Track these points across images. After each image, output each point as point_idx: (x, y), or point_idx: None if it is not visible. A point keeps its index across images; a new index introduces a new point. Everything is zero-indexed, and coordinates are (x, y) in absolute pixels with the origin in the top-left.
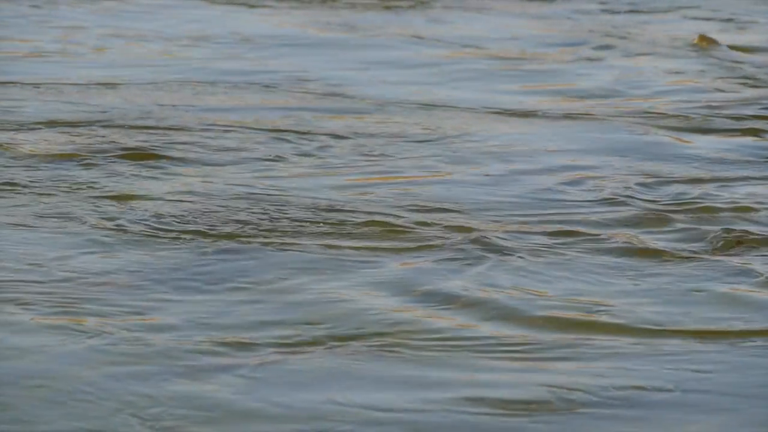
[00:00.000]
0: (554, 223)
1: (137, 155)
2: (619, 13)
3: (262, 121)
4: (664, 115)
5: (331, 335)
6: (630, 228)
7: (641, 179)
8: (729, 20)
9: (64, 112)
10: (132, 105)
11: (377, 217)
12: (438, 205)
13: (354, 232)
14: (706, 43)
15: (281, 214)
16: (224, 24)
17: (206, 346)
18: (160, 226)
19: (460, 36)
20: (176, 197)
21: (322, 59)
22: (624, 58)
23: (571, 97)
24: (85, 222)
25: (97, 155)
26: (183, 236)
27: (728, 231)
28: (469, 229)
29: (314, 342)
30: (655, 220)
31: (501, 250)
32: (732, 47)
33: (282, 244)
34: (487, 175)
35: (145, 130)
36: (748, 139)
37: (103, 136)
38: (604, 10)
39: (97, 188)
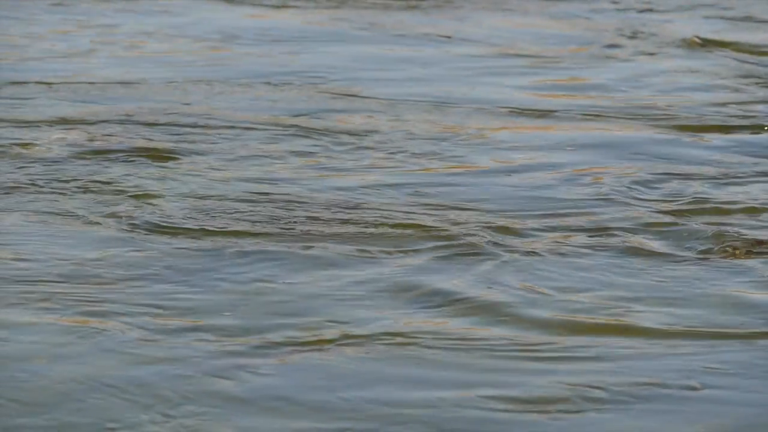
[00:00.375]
0: (569, 222)
1: (156, 154)
2: (634, 11)
3: (282, 120)
4: (679, 115)
5: (346, 334)
6: (645, 227)
7: (656, 178)
8: (745, 19)
9: (81, 111)
10: (152, 103)
11: (392, 216)
12: (452, 204)
13: (369, 230)
14: (700, 43)
15: (298, 213)
16: (247, 23)
17: (227, 344)
18: (180, 225)
19: (482, 35)
20: (195, 196)
21: (344, 57)
22: (640, 57)
23: (587, 96)
24: (106, 220)
25: (116, 153)
26: (203, 236)
27: (738, 238)
28: (485, 228)
29: (331, 341)
30: (669, 219)
31: (517, 249)
32: (743, 46)
33: (299, 243)
34: (508, 174)
35: (164, 128)
36: (763, 138)
37: (122, 135)
38: (619, 9)
39: (117, 186)
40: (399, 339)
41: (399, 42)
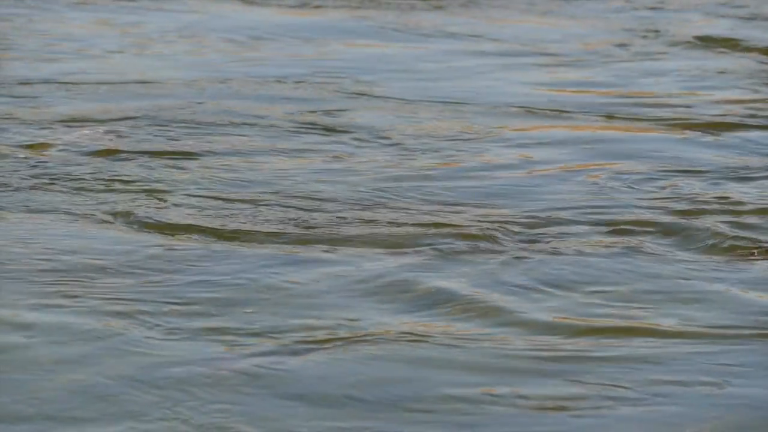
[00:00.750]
0: (585, 221)
1: (173, 152)
2: (651, 10)
3: (299, 117)
4: (694, 114)
5: (362, 333)
6: (659, 227)
7: (672, 177)
8: (756, 17)
9: (100, 109)
10: (170, 101)
11: (409, 215)
12: (467, 202)
13: (386, 228)
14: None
15: (316, 211)
16: (268, 22)
17: (244, 343)
18: (197, 224)
19: (503, 33)
20: (212, 195)
21: (365, 56)
22: (656, 56)
23: (603, 94)
24: (123, 218)
25: (134, 152)
26: (220, 234)
27: (756, 238)
28: (502, 226)
29: (346, 339)
30: (684, 219)
31: (534, 248)
32: (757, 45)
33: (316, 241)
34: (527, 173)
35: (181, 127)
36: None
37: (140, 133)
38: (636, 8)
39: (134, 185)
40: (415, 338)
41: (421, 41)
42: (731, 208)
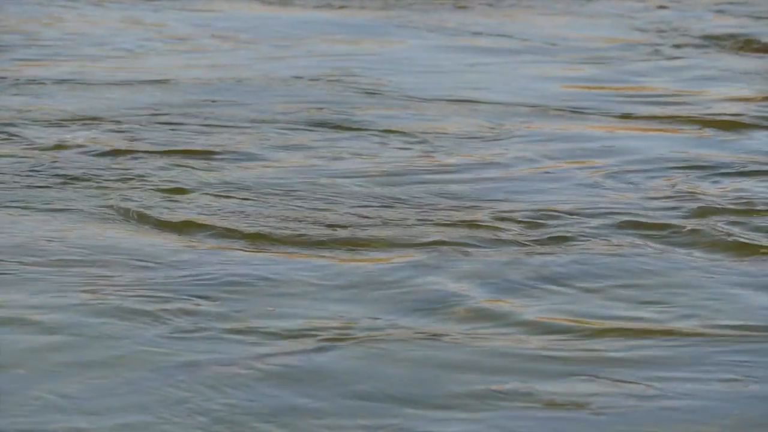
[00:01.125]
0: (607, 219)
1: (189, 151)
2: (672, 10)
3: (317, 115)
4: (717, 113)
5: (371, 331)
6: (680, 227)
7: (695, 176)
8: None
9: (115, 108)
10: (186, 100)
11: (429, 213)
12: (486, 201)
13: (402, 227)
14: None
15: (333, 210)
16: (292, 22)
17: (263, 342)
18: (212, 223)
19: (524, 33)
20: (231, 193)
21: (385, 54)
22: (678, 55)
23: (624, 94)
24: (139, 216)
25: (150, 151)
26: (237, 232)
27: None
28: (521, 224)
29: (360, 338)
30: (707, 218)
31: (553, 248)
32: None
33: (334, 240)
34: (543, 171)
35: (195, 126)
36: None
37: (156, 132)
38: (660, 7)
39: (151, 183)
40: (434, 336)
41: (443, 40)
42: (744, 207)
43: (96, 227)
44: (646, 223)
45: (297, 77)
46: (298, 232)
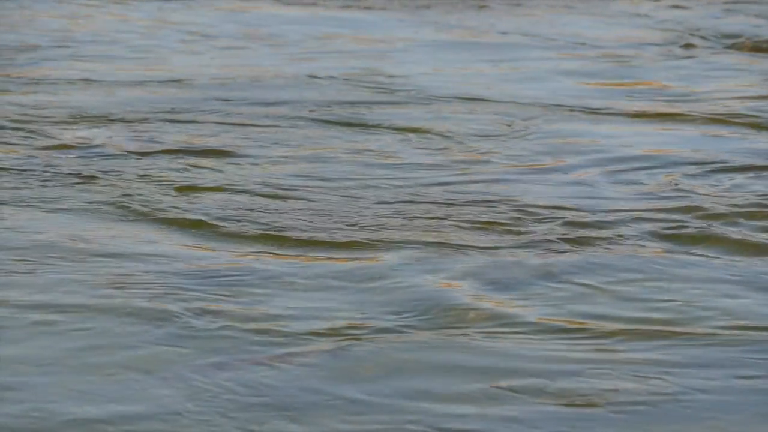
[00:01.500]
0: (629, 218)
1: (204, 150)
2: (693, 10)
3: (334, 114)
4: (742, 114)
5: (406, 324)
6: (704, 227)
7: (715, 176)
8: None
9: (130, 107)
10: (200, 98)
11: (447, 211)
12: (506, 200)
13: (430, 226)
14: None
15: (351, 209)
16: (316, 22)
17: (282, 336)
18: (232, 221)
19: (545, 33)
20: (241, 191)
21: (405, 55)
22: (698, 56)
23: (646, 94)
24: (155, 215)
25: (170, 149)
26: (253, 230)
27: None
28: (540, 223)
29: (387, 330)
30: (734, 218)
31: (572, 247)
32: None
33: (352, 238)
34: (564, 172)
35: (211, 125)
36: None
37: (173, 130)
38: (676, 6)
39: (174, 181)
40: (461, 330)
41: (465, 39)
42: (759, 208)
43: (113, 226)
44: (659, 221)
45: (315, 76)
46: (315, 231)
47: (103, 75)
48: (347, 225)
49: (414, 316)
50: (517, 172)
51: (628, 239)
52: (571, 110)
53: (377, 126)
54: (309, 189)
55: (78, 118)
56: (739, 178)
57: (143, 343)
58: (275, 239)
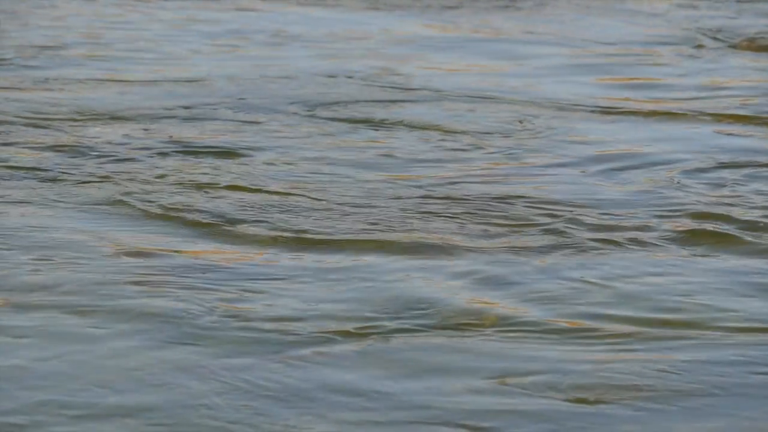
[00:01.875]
0: (642, 216)
1: (218, 148)
2: (711, 9)
3: (353, 113)
4: (759, 114)
5: (419, 324)
6: (722, 223)
7: (733, 175)
8: None
9: (144, 105)
10: (219, 99)
11: (469, 209)
12: (523, 197)
13: (447, 223)
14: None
15: (367, 207)
16: (340, 23)
17: (296, 335)
18: (249, 219)
19: (564, 33)
20: (255, 189)
21: (423, 55)
22: (715, 55)
23: (663, 94)
24: (169, 213)
25: (187, 148)
26: (276, 227)
27: None
28: (558, 221)
29: (399, 330)
30: (750, 216)
31: (593, 243)
32: None
33: (368, 237)
34: (582, 172)
35: (228, 123)
36: None
37: (190, 129)
38: (693, 6)
39: (190, 179)
40: (477, 328)
41: (489, 39)
42: None
43: (130, 224)
44: (671, 219)
45: (335, 75)
46: (333, 229)
47: (124, 73)
48: (367, 224)
49: (426, 316)
50: (531, 170)
51: (640, 238)
52: (585, 109)
53: (394, 124)
54: (326, 188)
55: (98, 117)
56: (755, 176)
57: (163, 343)
58: (292, 239)
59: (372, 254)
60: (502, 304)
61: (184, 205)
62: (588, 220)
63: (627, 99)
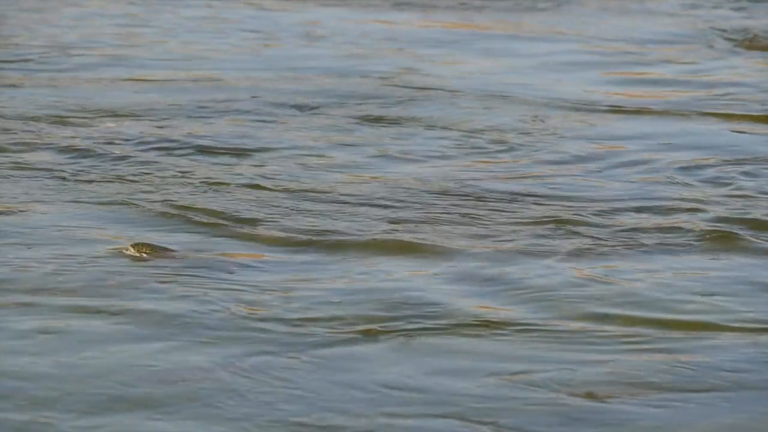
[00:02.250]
0: (656, 213)
1: (229, 146)
2: (729, 9)
3: (359, 111)
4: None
5: (434, 324)
6: (731, 222)
7: (746, 173)
8: None
9: (155, 103)
10: (236, 97)
11: (487, 209)
12: (547, 196)
13: (472, 225)
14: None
15: (379, 206)
16: (359, 23)
17: (330, 333)
18: (263, 218)
19: (584, 33)
20: (282, 187)
21: (444, 54)
22: (734, 54)
23: (675, 92)
24: (181, 212)
25: (205, 147)
26: (289, 224)
27: None
28: (569, 219)
29: (416, 330)
30: (760, 215)
31: (608, 242)
32: None
33: (381, 235)
34: (595, 171)
35: (243, 122)
36: None
37: (209, 128)
38: (715, 6)
39: (204, 178)
40: (484, 328)
41: (508, 39)
42: None
43: (146, 223)
44: (688, 218)
45: (356, 75)
46: (349, 229)
47: (145, 72)
48: (385, 223)
49: (441, 316)
50: (544, 168)
51: (654, 238)
52: (600, 107)
53: (411, 122)
54: (343, 186)
55: (114, 114)
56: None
57: (182, 342)
58: (307, 239)
59: (387, 254)
60: (513, 304)
61: (198, 204)
62: (601, 218)
63: (642, 96)
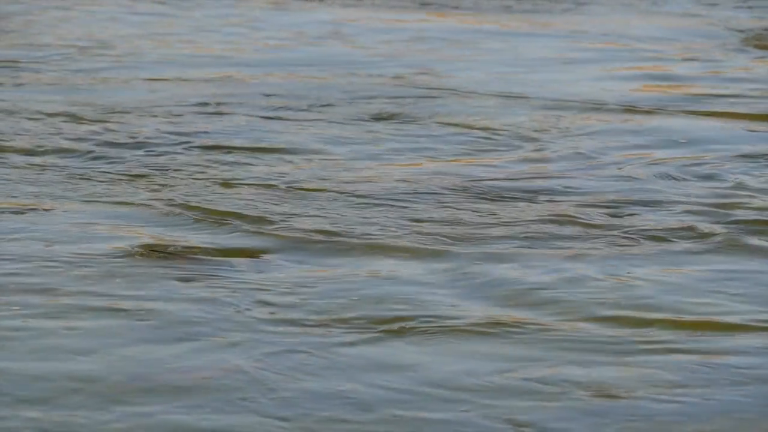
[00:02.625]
0: (666, 214)
1: (237, 145)
2: (741, 9)
3: (370, 110)
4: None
5: (444, 324)
6: (742, 222)
7: (756, 173)
8: None
9: (163, 102)
10: (245, 95)
11: (491, 208)
12: (541, 195)
13: (483, 223)
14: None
15: (387, 205)
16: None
17: (335, 330)
18: (272, 217)
19: (595, 33)
20: (290, 185)
21: (449, 54)
22: (745, 53)
23: (693, 90)
24: (188, 212)
25: (210, 146)
26: (303, 222)
27: None
28: (578, 219)
29: (427, 330)
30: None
31: (615, 240)
32: None
33: (391, 235)
34: (619, 169)
35: (256, 119)
36: None
37: (222, 127)
38: (736, 7)
39: (214, 177)
40: (491, 327)
41: (525, 38)
42: None
43: (159, 222)
44: (703, 218)
45: (370, 74)
46: (364, 227)
47: (157, 71)
48: (399, 221)
49: (465, 309)
50: (557, 167)
51: (667, 237)
52: (616, 107)
53: (426, 120)
54: (357, 185)
55: (126, 113)
56: None
57: (199, 342)
58: (321, 238)
59: (403, 253)
60: (527, 304)
61: (213, 203)
62: (613, 219)
63: (656, 92)
